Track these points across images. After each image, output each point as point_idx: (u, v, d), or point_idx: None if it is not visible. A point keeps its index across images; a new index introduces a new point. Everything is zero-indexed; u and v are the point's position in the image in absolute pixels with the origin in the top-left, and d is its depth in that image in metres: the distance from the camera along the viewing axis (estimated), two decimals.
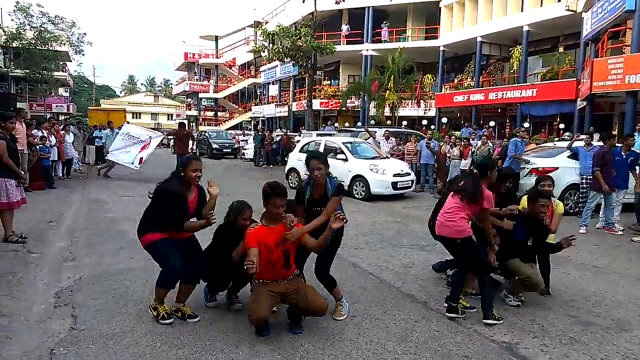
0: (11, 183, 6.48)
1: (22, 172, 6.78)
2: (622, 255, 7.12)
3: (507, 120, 23.17)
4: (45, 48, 31.09)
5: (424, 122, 24.31)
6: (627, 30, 15.44)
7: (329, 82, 33.48)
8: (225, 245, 4.23)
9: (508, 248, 4.74)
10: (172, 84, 73.62)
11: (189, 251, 4.21)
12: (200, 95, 49.65)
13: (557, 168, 9.95)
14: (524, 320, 4.43)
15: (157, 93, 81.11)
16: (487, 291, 4.41)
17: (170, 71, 75.32)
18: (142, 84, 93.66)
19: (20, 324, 4.01)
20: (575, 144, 10.54)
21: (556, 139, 15.94)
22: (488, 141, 13.04)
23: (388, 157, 13.19)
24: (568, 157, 10.33)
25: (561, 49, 21.99)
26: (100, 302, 4.50)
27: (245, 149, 25.44)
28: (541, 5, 20.71)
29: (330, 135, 16.40)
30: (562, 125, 19.16)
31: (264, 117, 39.91)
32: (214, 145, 26.32)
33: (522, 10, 21.44)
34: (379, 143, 14.78)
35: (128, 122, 17.30)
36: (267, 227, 3.94)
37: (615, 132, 15.94)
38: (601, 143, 9.10)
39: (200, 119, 48.53)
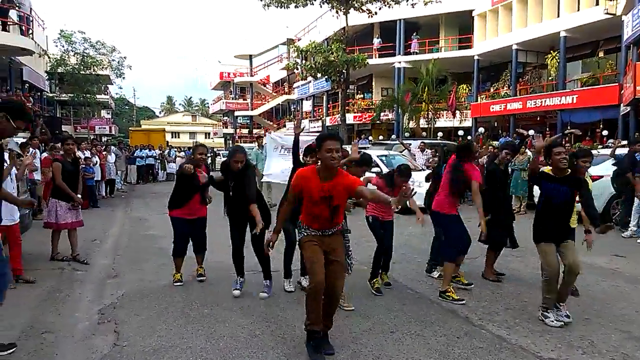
0: (62, 205, 6.63)
1: (78, 196, 6.84)
2: None
3: (547, 129, 22.56)
4: (88, 72, 32.38)
5: (460, 132, 23.93)
6: None
7: (362, 95, 33.49)
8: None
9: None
10: (208, 103, 75.35)
11: (195, 231, 5.69)
12: (236, 113, 50.57)
13: (601, 177, 9.45)
14: (572, 335, 4.25)
15: (195, 112, 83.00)
16: (375, 260, 5.44)
17: (207, 90, 76.78)
18: (180, 104, 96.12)
19: (66, 340, 4.12)
20: (618, 151, 10.13)
21: (599, 146, 15.38)
22: (527, 150, 12.70)
23: (423, 169, 13.03)
24: (612, 164, 9.91)
25: (601, 54, 21.33)
26: (143, 319, 4.59)
27: None
28: (578, 10, 20.16)
29: (364, 149, 16.35)
30: (605, 132, 18.49)
31: None
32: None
33: (558, 16, 20.92)
34: (414, 155, 14.65)
35: (270, 132, 15.73)
36: (318, 178, 3.62)
37: None
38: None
39: (237, 137, 49.41)
